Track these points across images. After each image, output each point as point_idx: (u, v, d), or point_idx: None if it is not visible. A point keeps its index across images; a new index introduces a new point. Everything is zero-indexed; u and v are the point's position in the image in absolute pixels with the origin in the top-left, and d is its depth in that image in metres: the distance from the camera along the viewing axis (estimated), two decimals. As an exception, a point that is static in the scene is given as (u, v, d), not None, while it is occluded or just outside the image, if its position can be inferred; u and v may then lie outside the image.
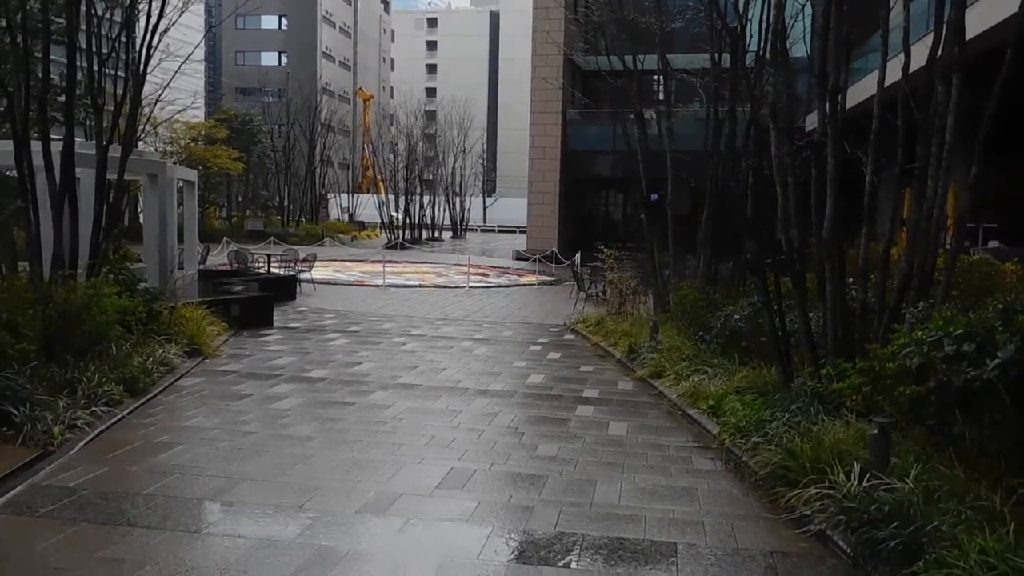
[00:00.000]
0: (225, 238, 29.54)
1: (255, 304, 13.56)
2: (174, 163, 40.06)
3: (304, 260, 20.00)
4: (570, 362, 11.07)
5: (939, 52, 7.15)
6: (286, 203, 48.34)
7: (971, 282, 9.62)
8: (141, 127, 39.61)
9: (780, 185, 8.20)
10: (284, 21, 77.52)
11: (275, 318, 14.24)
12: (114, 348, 8.25)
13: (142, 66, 10.96)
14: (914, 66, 7.79)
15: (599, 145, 32.93)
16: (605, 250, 13.88)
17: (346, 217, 55.41)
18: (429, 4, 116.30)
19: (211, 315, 12.13)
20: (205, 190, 42.41)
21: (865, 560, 4.57)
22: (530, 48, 33.76)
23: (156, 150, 40.39)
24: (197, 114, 47.83)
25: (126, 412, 7.15)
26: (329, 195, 57.75)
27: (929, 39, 7.29)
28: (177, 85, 44.12)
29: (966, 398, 5.29)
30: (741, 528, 5.09)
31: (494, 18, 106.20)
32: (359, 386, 8.98)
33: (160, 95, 37.96)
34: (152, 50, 10.99)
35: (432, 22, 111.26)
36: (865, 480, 4.97)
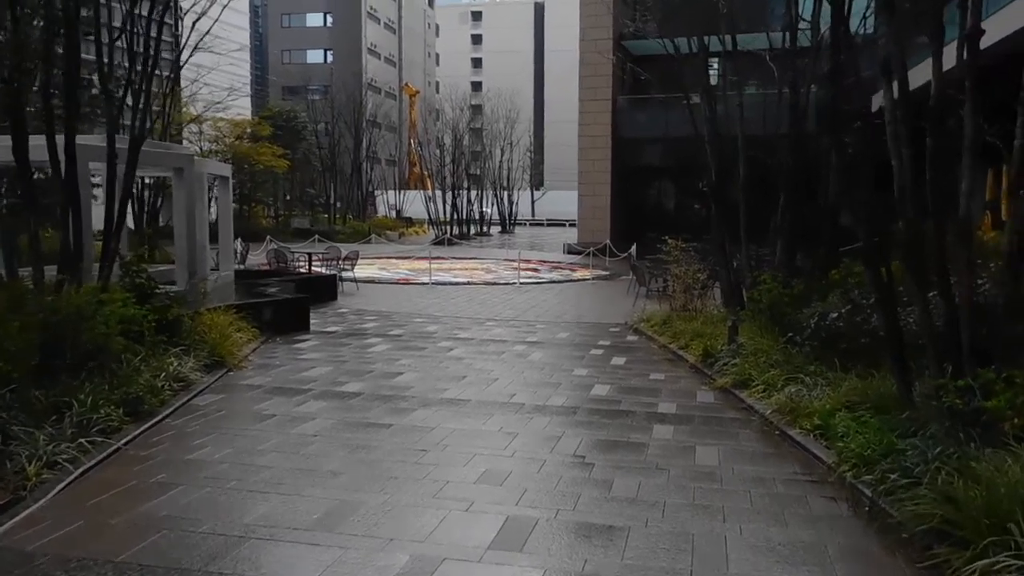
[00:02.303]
0: (268, 236, 28.79)
1: (290, 307, 12.52)
2: (219, 160, 40.26)
3: (346, 258, 19.00)
4: (637, 368, 9.75)
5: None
6: (332, 200, 47.73)
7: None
8: (184, 124, 39.47)
9: (895, 158, 6.78)
10: (329, 18, 77.26)
11: (313, 321, 13.22)
12: (117, 363, 7.22)
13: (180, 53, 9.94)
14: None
15: (651, 132, 31.38)
16: (670, 241, 12.50)
17: (393, 214, 54.70)
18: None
19: (240, 320, 11.14)
20: (251, 188, 42.04)
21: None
22: (577, 37, 32.27)
23: (201, 148, 40.14)
24: (243, 112, 47.55)
25: (123, 442, 6.08)
26: (377, 192, 57.15)
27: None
28: (218, 82, 44.01)
29: None
30: (901, 612, 3.75)
31: (539, 9, 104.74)
32: (398, 402, 7.81)
33: (196, 90, 37.83)
34: (185, 42, 10.05)
35: (476, 15, 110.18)
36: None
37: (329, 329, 12.71)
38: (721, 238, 11.77)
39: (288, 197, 49.16)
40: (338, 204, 48.45)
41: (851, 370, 7.70)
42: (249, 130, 40.94)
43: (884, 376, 7.08)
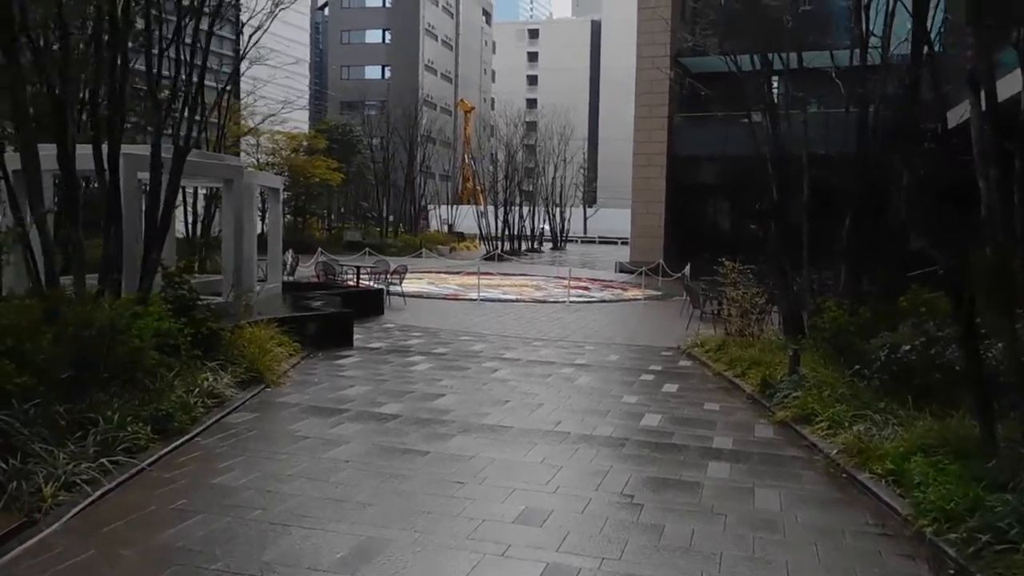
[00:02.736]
0: (320, 249, 28.89)
1: (333, 322, 12.30)
2: (275, 173, 40.74)
3: (394, 272, 18.80)
4: (691, 397, 9.22)
5: None
6: (385, 214, 47.96)
7: None
8: (240, 136, 40.07)
9: (982, 179, 6.21)
10: (387, 35, 78.20)
11: (357, 336, 12.99)
12: (150, 378, 7.01)
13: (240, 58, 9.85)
14: None
15: (707, 150, 30.62)
16: (727, 263, 11.94)
17: (445, 228, 54.78)
18: (531, 15, 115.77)
19: (283, 335, 10.95)
20: (305, 201, 42.47)
21: None
22: (633, 56, 31.81)
23: (257, 160, 40.72)
24: (300, 126, 48.21)
25: (147, 462, 5.82)
26: (430, 206, 57.35)
27: None
28: (276, 96, 44.63)
29: None
30: None
31: (595, 27, 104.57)
32: (437, 427, 7.45)
33: (253, 103, 38.33)
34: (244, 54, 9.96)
35: (533, 33, 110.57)
36: None
37: (373, 345, 12.44)
38: (781, 261, 11.18)
39: (342, 210, 49.59)
40: (391, 218, 48.66)
41: (925, 408, 7.10)
42: (305, 143, 41.41)
43: (963, 417, 6.49)
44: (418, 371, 10.38)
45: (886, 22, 10.96)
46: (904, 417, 6.99)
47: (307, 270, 22.46)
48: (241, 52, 45.38)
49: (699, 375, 10.64)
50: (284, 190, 42.57)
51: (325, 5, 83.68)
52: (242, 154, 41.39)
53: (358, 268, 19.54)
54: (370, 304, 16.52)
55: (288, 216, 43.39)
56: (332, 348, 11.75)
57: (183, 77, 9.35)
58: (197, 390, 7.63)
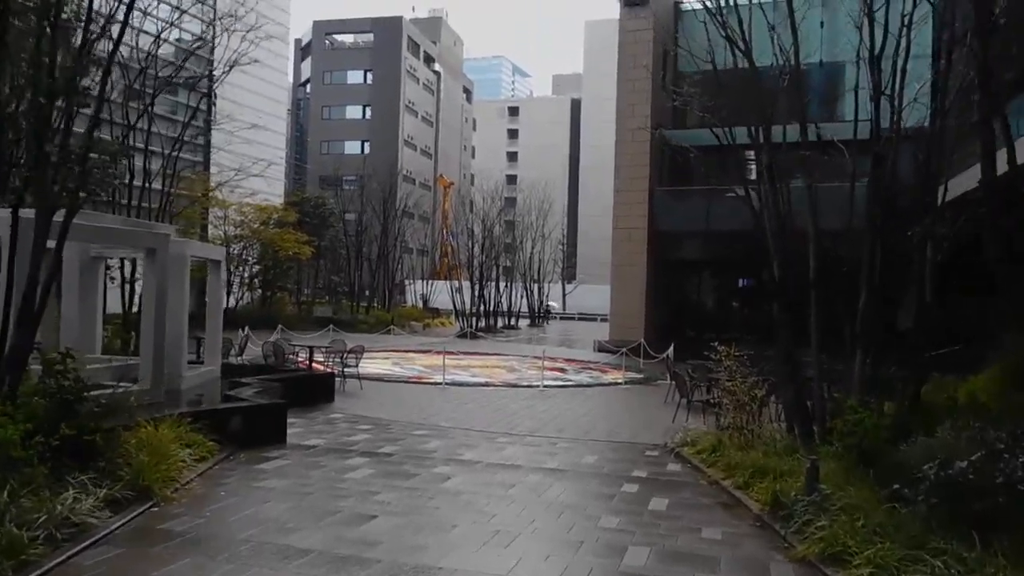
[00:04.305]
0: (280, 326, 27.09)
1: (262, 415, 10.48)
2: (243, 246, 39.06)
3: (350, 352, 17.01)
4: (685, 518, 7.45)
5: None
6: (357, 288, 46.33)
7: None
8: (209, 208, 38.58)
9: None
10: (368, 111, 78.14)
11: (295, 430, 11.22)
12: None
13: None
14: None
15: (692, 225, 29.56)
16: (721, 347, 10.33)
17: (418, 303, 53.15)
18: (513, 93, 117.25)
19: (197, 432, 9.17)
20: (274, 275, 40.79)
21: None
22: (612, 133, 30.95)
23: (224, 233, 39.15)
24: (274, 198, 46.89)
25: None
26: (406, 281, 55.87)
27: None
28: (234, 165, 43.33)
29: None
30: None
31: (575, 105, 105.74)
32: (355, 571, 5.63)
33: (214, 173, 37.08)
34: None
35: (513, 110, 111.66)
36: None
37: (309, 442, 10.61)
38: (787, 347, 9.59)
39: (320, 285, 47.91)
40: (366, 292, 47.03)
41: (992, 545, 5.44)
42: (276, 216, 39.98)
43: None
44: (354, 480, 8.55)
45: (898, 78, 9.68)
46: (970, 562, 5.31)
47: (260, 349, 20.63)
48: (209, 117, 44.37)
49: (692, 485, 8.86)
50: (254, 263, 41.25)
51: (307, 82, 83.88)
52: (210, 227, 39.94)
53: (311, 348, 17.76)
54: (319, 390, 14.74)
55: (258, 290, 41.66)
56: (259, 447, 9.92)
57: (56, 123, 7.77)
58: (44, 518, 5.81)
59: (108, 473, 7.33)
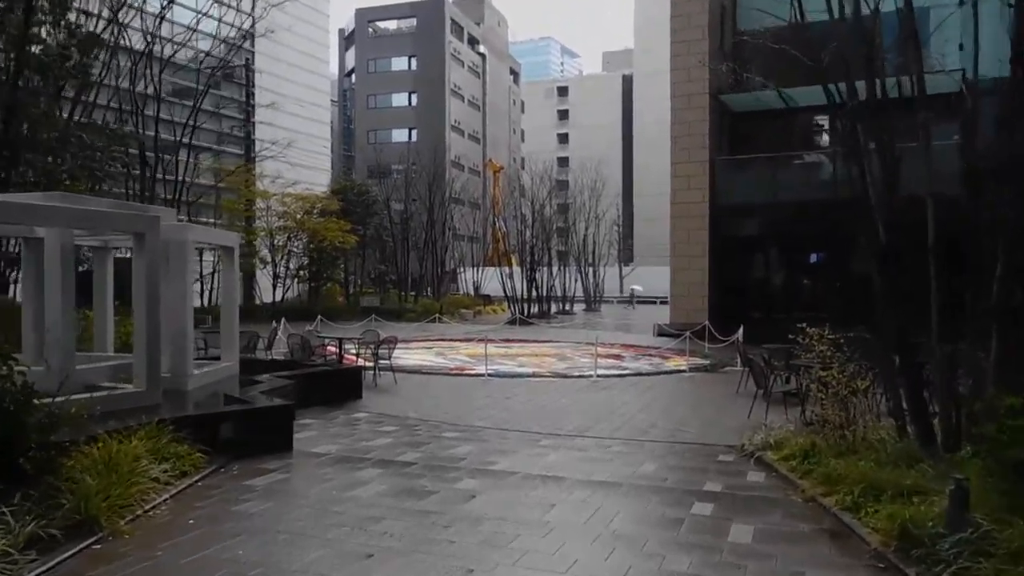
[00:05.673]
0: (319, 317, 25.79)
1: (262, 419, 8.96)
2: (287, 237, 38.06)
3: (383, 342, 15.46)
4: (779, 556, 5.60)
5: None
6: (404, 277, 45.10)
7: None
8: (254, 201, 37.70)
9: None
10: (414, 98, 76.84)
11: (307, 434, 9.79)
12: None
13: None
14: None
15: (756, 197, 27.25)
16: (810, 330, 8.39)
17: (471, 290, 51.69)
18: (562, 74, 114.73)
19: (181, 442, 7.73)
20: (320, 266, 39.77)
21: None
22: (667, 110, 28.75)
23: (267, 224, 38.20)
24: (318, 188, 45.88)
25: None
26: (458, 269, 54.50)
27: None
28: (297, 160, 42.79)
29: None
30: None
31: (627, 82, 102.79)
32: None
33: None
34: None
35: (563, 91, 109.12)
36: None
37: (319, 449, 9.06)
38: (899, 326, 7.60)
39: (372, 275, 46.85)
40: (410, 280, 45.77)
41: None
42: (319, 205, 38.87)
43: None
44: (356, 501, 6.92)
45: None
46: None
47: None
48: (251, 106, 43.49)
49: (783, 504, 6.98)
50: (301, 254, 40.15)
51: (352, 72, 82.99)
52: (257, 217, 39.03)
53: (340, 340, 16.28)
54: (345, 385, 13.23)
55: (305, 282, 40.66)
56: (259, 456, 8.42)
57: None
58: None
59: (44, 501, 5.90)
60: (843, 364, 8.17)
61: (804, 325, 8.56)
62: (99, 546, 5.61)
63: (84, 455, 6.58)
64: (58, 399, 7.17)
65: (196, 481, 7.38)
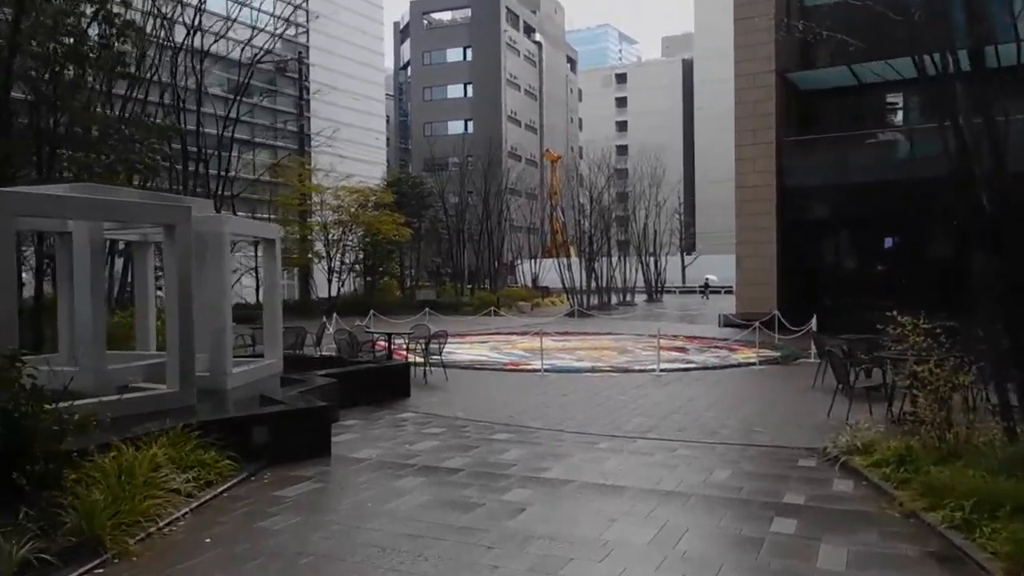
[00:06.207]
0: (372, 311, 25.38)
1: (297, 422, 8.37)
2: (342, 231, 37.93)
3: (434, 337, 14.83)
4: (879, 587, 4.71)
5: None
6: (459, 270, 44.64)
7: None
8: (310, 195, 37.68)
9: None
10: (470, 89, 76.36)
11: (350, 436, 9.27)
12: None
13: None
14: None
15: (825, 179, 25.80)
16: (904, 319, 7.38)
17: (530, 283, 51.00)
18: (620, 59, 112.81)
19: (210, 447, 7.20)
20: (375, 259, 39.57)
21: None
22: (729, 94, 27.44)
23: (322, 218, 38.10)
24: (372, 181, 45.75)
25: None
26: (516, 262, 53.88)
27: None
28: (352, 154, 42.77)
29: None
30: None
31: (687, 67, 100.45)
32: None
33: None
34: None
35: (621, 78, 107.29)
36: None
37: (359, 454, 8.42)
38: (1012, 317, 6.55)
39: (429, 269, 46.60)
40: (467, 273, 45.31)
41: None
42: (373, 198, 38.61)
43: None
44: (393, 515, 6.23)
45: None
46: None
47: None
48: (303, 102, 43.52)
49: (877, 519, 6.03)
50: (357, 248, 39.97)
51: (407, 65, 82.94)
52: (315, 211, 38.97)
53: (389, 335, 15.72)
54: (392, 383, 12.62)
55: (360, 276, 40.53)
56: (295, 462, 7.85)
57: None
58: None
59: (44, 518, 5.38)
60: (943, 357, 7.15)
61: (894, 313, 7.53)
62: (101, 570, 5.05)
63: (96, 465, 6.06)
64: (77, 403, 6.72)
65: (222, 491, 6.80)
